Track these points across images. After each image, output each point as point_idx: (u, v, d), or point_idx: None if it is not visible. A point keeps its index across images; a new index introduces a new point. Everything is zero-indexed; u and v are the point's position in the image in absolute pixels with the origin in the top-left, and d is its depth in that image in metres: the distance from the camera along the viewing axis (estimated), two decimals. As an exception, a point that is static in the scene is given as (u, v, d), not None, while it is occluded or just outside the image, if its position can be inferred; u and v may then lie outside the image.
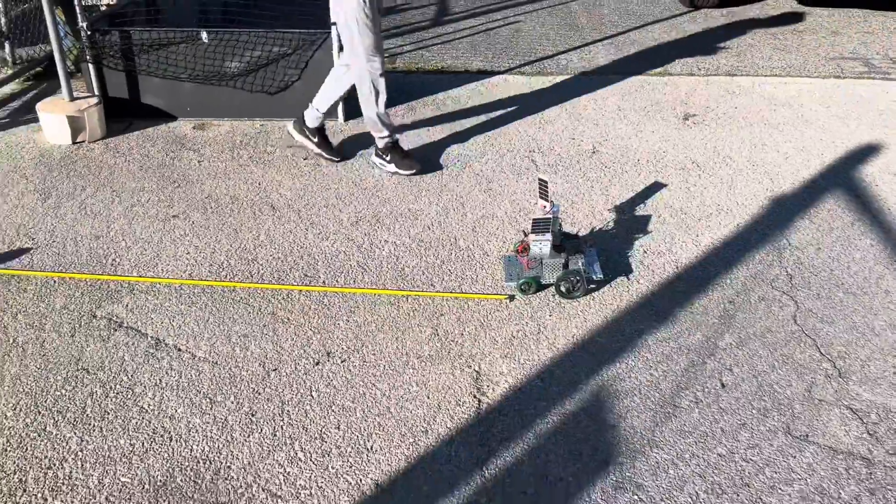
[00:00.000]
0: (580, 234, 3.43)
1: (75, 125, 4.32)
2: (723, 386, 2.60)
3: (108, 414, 2.46)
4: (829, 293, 3.08)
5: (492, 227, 3.55)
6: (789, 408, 2.51)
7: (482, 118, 4.72)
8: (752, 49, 6.07)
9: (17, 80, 5.27)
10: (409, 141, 4.40)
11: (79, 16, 4.37)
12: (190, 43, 4.49)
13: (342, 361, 2.70)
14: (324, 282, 3.14)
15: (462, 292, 3.06)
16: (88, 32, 4.42)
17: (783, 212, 3.68)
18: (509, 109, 4.85)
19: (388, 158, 4.04)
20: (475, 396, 2.55)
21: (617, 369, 2.67)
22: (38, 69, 5.40)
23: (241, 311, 2.95)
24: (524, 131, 4.54)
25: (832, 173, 4.07)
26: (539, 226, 3.05)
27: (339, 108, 4.65)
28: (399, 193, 3.83)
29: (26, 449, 2.32)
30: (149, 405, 2.50)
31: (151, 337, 2.81)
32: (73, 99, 4.40)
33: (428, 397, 2.54)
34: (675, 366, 2.69)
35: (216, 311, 2.94)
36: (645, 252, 3.35)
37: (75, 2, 4.33)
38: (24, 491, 2.18)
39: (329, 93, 4.11)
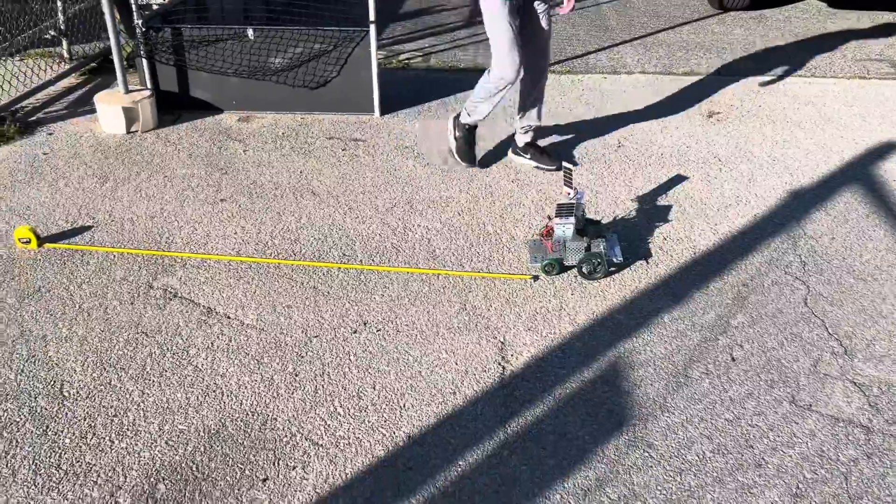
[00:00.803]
0: (603, 220, 3.62)
1: (130, 116, 4.62)
2: (733, 360, 2.77)
3: (166, 371, 2.71)
4: (841, 279, 3.23)
5: (518, 214, 3.75)
6: (795, 380, 2.67)
7: (511, 112, 4.91)
8: (778, 50, 6.19)
9: (74, 75, 5.59)
10: (441, 135, 4.61)
11: (134, 14, 4.66)
12: (236, 40, 4.77)
13: (377, 331, 2.92)
14: (360, 261, 3.37)
15: (489, 272, 3.27)
16: (143, 29, 4.71)
17: (800, 204, 3.83)
18: (538, 105, 5.03)
19: (528, 156, 4.19)
20: (500, 364, 2.75)
21: (633, 343, 2.86)
22: (93, 64, 5.71)
23: (285, 284, 3.19)
24: (551, 126, 4.73)
25: (851, 169, 4.20)
26: (563, 210, 3.25)
27: (376, 103, 4.88)
28: (431, 182, 4.05)
29: (94, 399, 2.58)
30: (202, 365, 2.74)
31: (203, 306, 3.06)
32: (128, 91, 4.69)
33: (456, 364, 2.75)
34: (689, 341, 2.86)
35: (262, 285, 3.19)
36: (665, 239, 3.53)
37: (132, 1, 4.62)
38: (94, 434, 2.44)
39: (521, 103, 4.13)
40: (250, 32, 4.75)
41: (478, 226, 3.65)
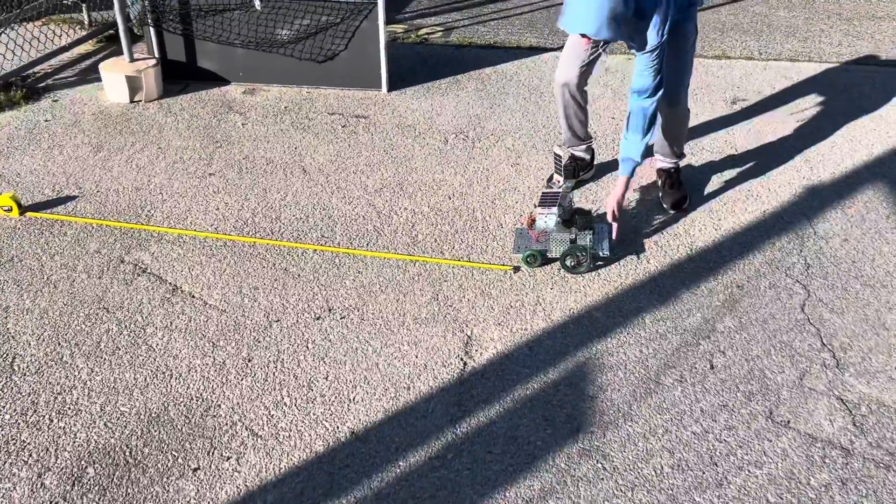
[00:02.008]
0: (597, 210, 3.43)
1: (133, 85, 4.57)
2: (712, 367, 2.58)
3: (119, 350, 2.65)
4: (846, 284, 2.99)
5: (512, 200, 3.58)
6: (776, 393, 2.48)
7: (525, 94, 4.73)
8: (821, 35, 5.82)
9: (91, 42, 5.58)
10: (447, 114, 4.46)
11: (141, -19, 4.60)
12: (243, 10, 4.67)
13: (341, 318, 2.81)
14: (339, 243, 3.26)
15: (468, 261, 3.12)
16: (150, -3, 4.65)
17: (816, 201, 3.57)
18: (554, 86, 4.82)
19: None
20: (462, 359, 2.62)
21: (607, 344, 2.69)
22: (111, 31, 5.69)
23: (257, 265, 3.10)
24: (563, 108, 4.52)
25: (878, 165, 3.90)
26: (547, 199, 3.08)
27: (384, 78, 4.74)
28: (427, 164, 3.90)
29: (42, 375, 2.54)
30: (157, 345, 2.67)
31: (170, 283, 2.99)
32: (132, 60, 4.64)
33: (416, 357, 2.63)
34: (668, 344, 2.68)
35: (233, 264, 3.10)
36: (661, 233, 3.32)
37: (138, -33, 4.56)
38: (35, 412, 2.39)
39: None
40: (257, 3, 4.65)
41: (467, 211, 3.49)
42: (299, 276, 3.04)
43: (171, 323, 2.77)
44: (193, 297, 2.91)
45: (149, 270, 3.06)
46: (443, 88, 4.83)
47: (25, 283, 2.97)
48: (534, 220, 3.08)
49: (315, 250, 3.20)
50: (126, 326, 2.76)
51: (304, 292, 2.94)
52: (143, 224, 3.37)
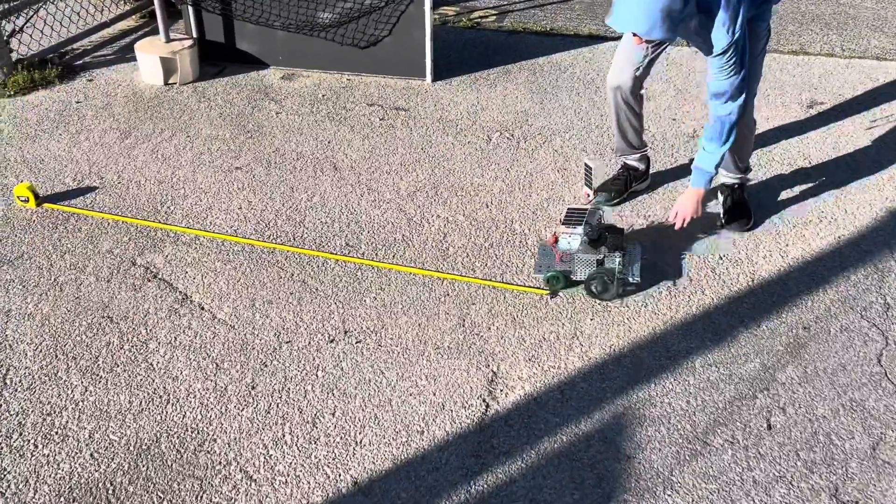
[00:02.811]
0: (633, 229, 3.09)
1: (168, 66, 4.39)
2: (769, 427, 2.26)
3: (118, 367, 2.46)
4: (932, 332, 2.61)
5: (555, 211, 3.28)
6: (843, 465, 2.14)
7: (579, 88, 4.38)
8: (913, 29, 5.28)
9: (133, 17, 5.42)
10: (493, 109, 4.15)
11: (180, -43, 4.40)
12: (284, -10, 4.43)
13: (357, 342, 2.57)
14: (363, 253, 3.01)
15: (502, 281, 2.84)
16: (188, -26, 4.44)
17: (900, 227, 3.17)
18: (609, 81, 4.46)
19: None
20: (484, 400, 2.35)
21: (650, 391, 2.38)
22: (153, 7, 5.52)
23: (273, 275, 2.88)
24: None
25: (975, 186, 3.46)
26: (572, 217, 2.79)
27: (428, 67, 4.45)
28: (466, 166, 3.62)
29: (34, 391, 2.37)
30: (158, 363, 2.48)
31: (180, 292, 2.79)
32: (168, 40, 4.45)
33: (434, 394, 2.37)
34: (719, 396, 2.37)
35: (248, 273, 2.89)
36: (720, 258, 2.98)
37: (177, -57, 4.35)
38: (21, 435, 2.22)
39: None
40: (298, -17, 4.39)
41: (504, 222, 3.21)
42: (317, 290, 2.81)
43: (175, 338, 2.58)
44: (202, 308, 2.71)
45: (160, 275, 2.87)
46: (491, 79, 4.51)
47: (32, 284, 2.81)
48: (557, 239, 2.78)
49: (337, 261, 2.96)
50: (128, 339, 2.57)
51: (320, 309, 2.71)
52: (160, 222, 3.18)
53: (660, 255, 2.97)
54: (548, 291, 2.77)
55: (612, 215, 3.17)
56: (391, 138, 3.87)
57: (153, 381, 2.41)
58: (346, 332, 2.61)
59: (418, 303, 2.75)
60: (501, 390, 2.39)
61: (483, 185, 3.48)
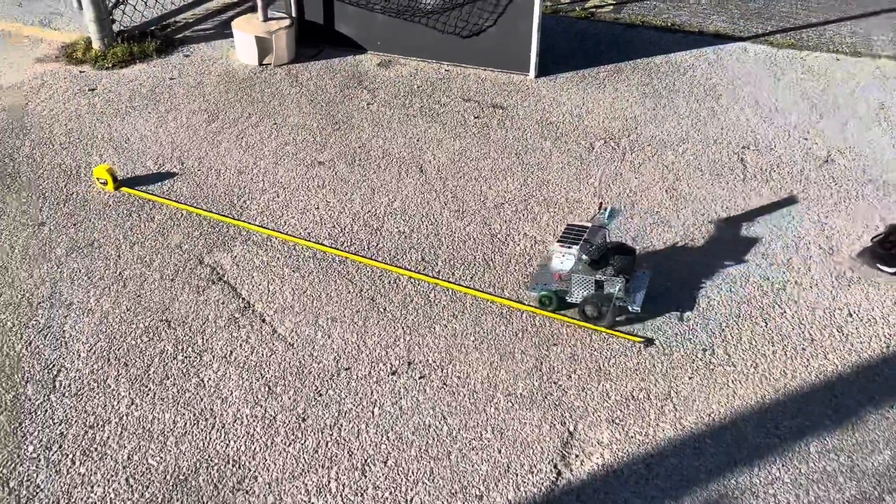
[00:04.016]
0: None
1: (263, 46, 4.24)
2: (898, 545, 1.87)
3: (168, 380, 2.32)
4: None
5: (659, 238, 2.92)
6: None
7: (699, 94, 3.96)
8: None
9: (237, -9, 5.32)
10: (600, 112, 3.80)
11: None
12: (387, -28, 4.18)
13: (420, 377, 2.33)
14: (439, 271, 2.76)
15: (592, 325, 2.53)
16: (290, -49, 4.27)
17: None
18: (737, 88, 4.01)
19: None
20: (556, 466, 2.07)
21: (752, 477, 2.03)
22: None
23: (342, 288, 2.67)
24: (745, 119, 3.73)
25: None
26: (570, 235, 2.53)
27: (533, 62, 4.12)
28: (562, 178, 3.29)
29: (80, 399, 2.25)
30: (209, 379, 2.32)
31: (243, 298, 2.63)
32: (266, 19, 4.30)
33: (500, 451, 2.11)
34: (837, 492, 1.99)
35: (316, 283, 2.69)
36: (853, 312, 2.56)
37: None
38: (60, 447, 2.11)
39: None
40: (402, -35, 4.14)
41: (600, 248, 2.87)
42: (385, 310, 2.58)
43: (230, 353, 2.41)
44: (264, 321, 2.53)
45: (225, 278, 2.71)
46: (600, 78, 4.14)
47: (97, 276, 2.71)
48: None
49: (409, 278, 2.72)
50: (182, 349, 2.42)
51: (385, 333, 2.48)
52: (234, 218, 3.03)
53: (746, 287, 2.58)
54: (641, 339, 2.44)
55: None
56: (484, 140, 3.58)
57: (201, 399, 2.25)
58: (409, 364, 2.37)
59: (493, 337, 2.47)
60: (577, 456, 2.09)
61: (580, 200, 3.15)
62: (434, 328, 2.50)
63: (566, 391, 2.28)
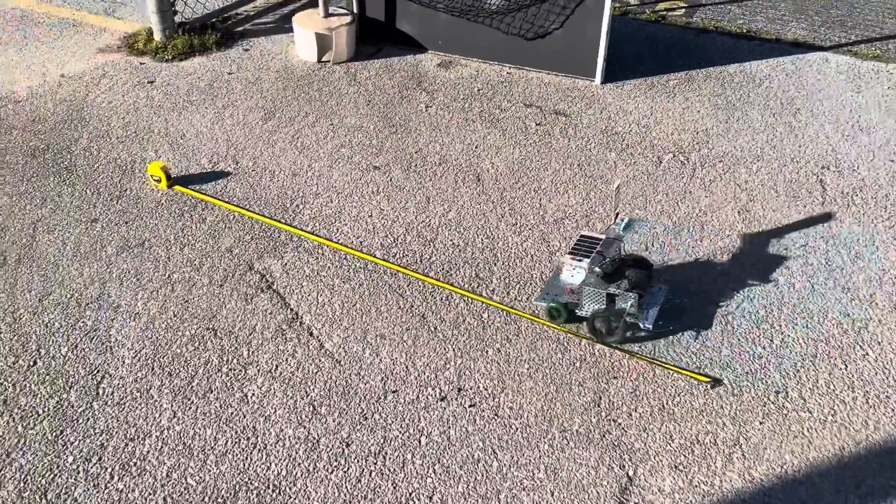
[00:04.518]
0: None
1: (322, 44, 4.17)
2: None
3: (211, 393, 2.25)
4: None
5: (730, 262, 2.74)
6: None
7: (775, 107, 3.74)
8: None
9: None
10: (669, 123, 3.61)
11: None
12: (451, -30, 4.06)
13: (470, 406, 2.21)
14: (493, 290, 2.64)
15: (654, 358, 2.38)
16: (354, -54, 4.17)
17: None
18: (817, 102, 3.78)
19: None
20: (612, 513, 1.93)
21: (828, 541, 1.87)
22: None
23: (392, 303, 2.57)
24: (825, 137, 3.50)
25: None
26: (581, 247, 2.42)
27: (599, 67, 3.95)
28: (629, 192, 3.13)
29: (123, 408, 2.20)
30: (253, 395, 2.25)
31: (292, 309, 2.55)
32: (327, 15, 4.22)
33: (552, 494, 1.98)
34: (925, 567, 1.81)
35: (366, 297, 2.60)
36: (940, 361, 2.35)
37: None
38: (99, 460, 2.06)
39: None
40: (468, -37, 4.01)
41: (667, 271, 2.72)
42: (436, 329, 2.47)
43: (276, 367, 2.33)
44: (311, 334, 2.45)
45: (275, 286, 2.64)
46: (670, 86, 3.95)
47: (146, 279, 2.67)
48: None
49: (462, 296, 2.60)
50: (228, 361, 2.35)
51: (435, 355, 2.37)
52: (286, 223, 2.95)
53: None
54: (708, 379, 2.28)
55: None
56: (545, 148, 3.44)
57: (244, 416, 2.18)
58: (460, 390, 2.26)
59: (549, 365, 2.34)
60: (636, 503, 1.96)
61: (644, 219, 2.98)
62: (486, 352, 2.38)
63: (626, 430, 2.14)
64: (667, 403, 2.22)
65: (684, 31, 4.59)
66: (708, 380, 2.27)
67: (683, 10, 4.92)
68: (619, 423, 2.16)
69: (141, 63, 4.17)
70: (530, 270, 2.72)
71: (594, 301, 2.38)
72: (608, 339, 2.35)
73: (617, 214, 2.61)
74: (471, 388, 2.26)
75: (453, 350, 2.39)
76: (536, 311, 2.51)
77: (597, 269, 2.35)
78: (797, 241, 2.85)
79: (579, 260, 2.40)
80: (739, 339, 2.42)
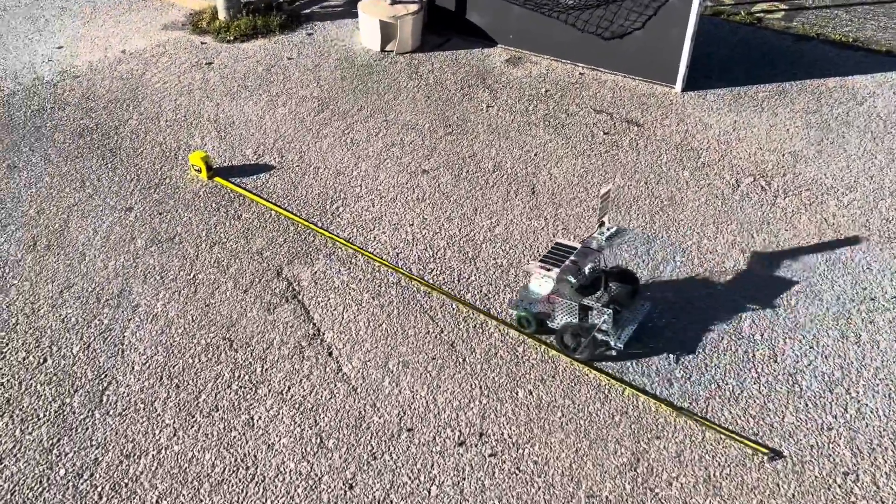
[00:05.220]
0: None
1: (387, 32, 3.97)
2: None
3: (216, 412, 2.11)
4: None
5: (807, 310, 2.42)
6: None
7: (877, 131, 3.35)
8: None
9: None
10: (753, 141, 3.27)
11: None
12: (528, -40, 3.79)
13: (490, 455, 2.00)
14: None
15: (704, 418, 2.10)
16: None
17: None
18: (923, 128, 3.36)
19: None
20: None
21: None
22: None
23: (421, 327, 2.37)
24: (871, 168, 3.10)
25: None
26: (554, 255, 2.23)
27: (681, 73, 3.63)
28: (696, 218, 2.83)
29: (124, 420, 2.08)
30: (259, 419, 2.09)
31: (314, 324, 2.38)
32: (394, 2, 4.02)
33: (569, 570, 1.75)
34: None
35: (394, 317, 2.41)
36: None
37: None
38: (91, 477, 1.94)
39: None
40: (546, -47, 3.74)
41: (735, 316, 2.42)
42: (464, 361, 2.26)
43: (288, 389, 2.17)
44: (330, 355, 2.28)
45: (300, 296, 2.48)
46: (758, 99, 3.59)
47: (170, 277, 2.55)
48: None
49: (497, 325, 2.38)
50: (239, 377, 2.21)
51: (460, 391, 2.16)
52: (322, 227, 2.79)
53: None
54: (766, 451, 1.99)
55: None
56: (611, 161, 3.16)
57: (246, 442, 2.03)
58: (481, 435, 2.04)
59: (585, 415, 2.10)
60: None
61: (713, 250, 2.68)
62: (517, 393, 2.16)
63: (665, 501, 1.88)
64: (714, 474, 1.95)
65: (781, 36, 4.19)
66: (766, 451, 1.99)
67: (783, 12, 4.50)
68: (657, 494, 1.90)
69: (202, 42, 4.08)
70: (577, 301, 2.47)
71: (567, 313, 2.22)
72: (575, 354, 2.20)
73: (602, 223, 2.33)
74: (494, 434, 2.05)
75: (480, 387, 2.18)
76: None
77: (571, 279, 2.16)
78: (888, 292, 2.50)
79: (548, 269, 2.23)
80: (807, 404, 2.12)
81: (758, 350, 2.29)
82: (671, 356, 2.23)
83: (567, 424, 2.07)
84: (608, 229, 2.26)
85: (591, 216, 2.84)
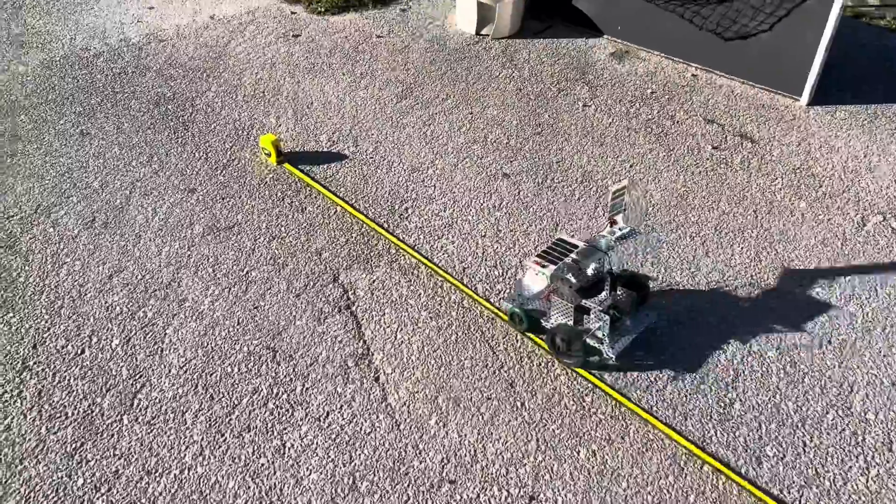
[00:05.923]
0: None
1: (484, 15, 3.70)
2: None
3: (249, 432, 1.95)
4: None
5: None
6: None
7: None
8: None
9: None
10: (888, 171, 2.85)
11: None
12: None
13: (539, 527, 1.75)
14: (608, 379, 2.12)
15: (763, 491, 1.79)
16: None
17: None
18: None
19: None
20: None
21: None
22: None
23: (479, 358, 2.14)
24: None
25: None
26: (553, 252, 2.02)
27: (809, 84, 3.21)
28: (810, 258, 2.47)
29: (152, 429, 1.95)
30: (291, 445, 1.92)
31: (364, 343, 2.19)
32: (495, -18, 3.73)
33: None
34: None
35: (450, 344, 2.18)
36: None
37: None
38: (109, 490, 1.82)
39: None
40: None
41: (840, 391, 2.08)
42: (523, 405, 2.01)
43: (326, 415, 1.99)
44: (377, 380, 2.08)
45: (354, 308, 2.29)
46: (846, 114, 3.14)
47: (221, 273, 2.41)
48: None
49: (559, 363, 2.11)
50: (277, 394, 2.04)
51: (514, 441, 1.92)
52: (388, 230, 2.58)
53: None
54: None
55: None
56: (717, 181, 2.81)
57: (274, 472, 1.86)
58: (532, 500, 1.80)
59: (655, 489, 1.82)
60: None
61: (828, 302, 2.32)
62: (578, 452, 1.90)
63: None
64: (801, 589, 1.64)
65: (867, 29, 3.66)
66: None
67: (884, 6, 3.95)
68: None
69: (292, 12, 3.91)
70: (667, 347, 2.17)
71: (562, 314, 2.02)
72: (566, 359, 2.02)
73: (614, 222, 2.01)
74: (546, 501, 1.80)
75: (537, 440, 1.93)
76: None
77: (571, 279, 1.94)
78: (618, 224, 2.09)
79: (543, 265, 2.01)
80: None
81: (866, 433, 1.94)
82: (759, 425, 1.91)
83: (632, 499, 1.80)
84: (620, 229, 2.00)
85: (687, 247, 2.51)
